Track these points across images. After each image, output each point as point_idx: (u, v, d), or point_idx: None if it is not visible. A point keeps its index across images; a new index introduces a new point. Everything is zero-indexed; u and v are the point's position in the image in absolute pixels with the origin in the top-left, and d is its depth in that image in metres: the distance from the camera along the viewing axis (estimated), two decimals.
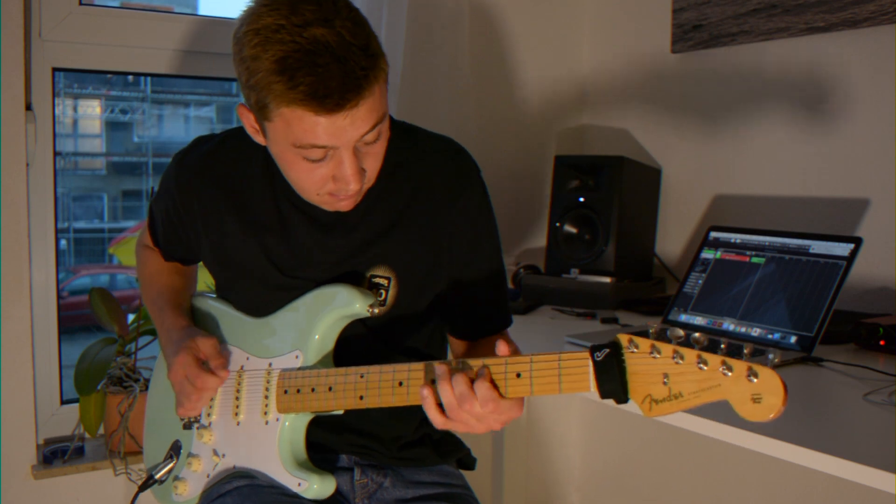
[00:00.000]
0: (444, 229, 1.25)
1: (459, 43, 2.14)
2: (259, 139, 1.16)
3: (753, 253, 1.71)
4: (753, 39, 2.02)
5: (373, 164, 1.13)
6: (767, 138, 2.03)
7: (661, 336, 0.93)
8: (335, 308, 1.19)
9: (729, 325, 1.66)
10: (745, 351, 0.88)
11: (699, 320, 1.71)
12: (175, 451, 1.32)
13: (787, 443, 1.09)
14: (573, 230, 2.12)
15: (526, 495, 2.42)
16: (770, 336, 1.58)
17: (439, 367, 1.05)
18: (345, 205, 1.16)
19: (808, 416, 1.25)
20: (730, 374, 0.86)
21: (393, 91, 2.03)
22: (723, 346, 0.88)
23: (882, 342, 1.54)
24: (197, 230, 1.32)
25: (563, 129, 2.51)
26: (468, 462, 1.43)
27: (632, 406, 0.95)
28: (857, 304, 1.76)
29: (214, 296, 1.39)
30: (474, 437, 1.26)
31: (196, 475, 1.28)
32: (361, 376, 1.12)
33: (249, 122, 1.15)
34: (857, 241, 1.56)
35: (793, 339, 1.54)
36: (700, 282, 1.76)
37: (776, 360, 0.86)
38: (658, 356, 0.91)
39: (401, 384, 1.09)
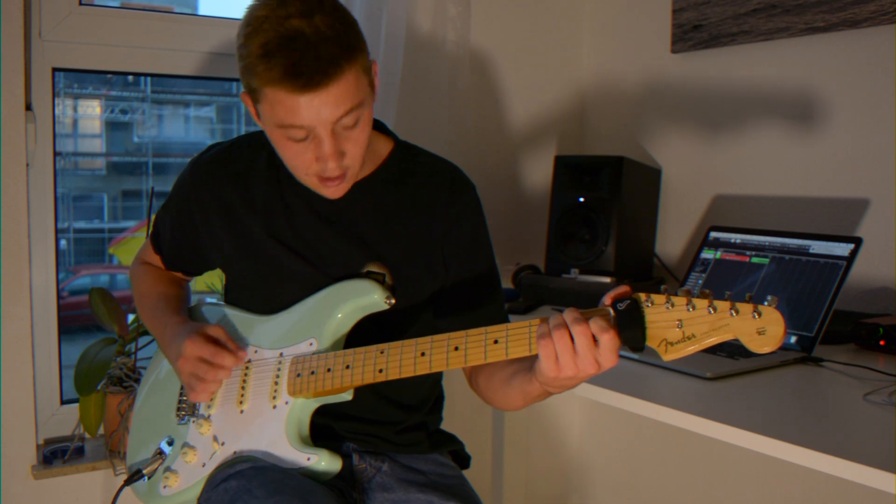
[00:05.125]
0: (438, 233, 1.34)
1: (459, 43, 2.14)
2: (259, 123, 1.24)
3: (753, 253, 1.71)
4: (753, 39, 2.02)
5: (353, 149, 1.21)
6: (767, 138, 2.03)
7: (671, 294, 1.01)
8: (355, 298, 1.25)
9: None
10: (747, 298, 0.99)
11: None
12: (167, 446, 1.34)
13: (787, 443, 1.09)
14: (573, 230, 2.12)
15: (525, 493, 2.42)
16: None
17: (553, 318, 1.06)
18: (332, 192, 1.25)
19: (808, 416, 1.26)
20: (737, 314, 0.97)
21: (393, 93, 2.03)
22: (728, 294, 0.99)
23: (882, 342, 1.54)
24: (208, 223, 1.37)
25: (563, 129, 2.51)
26: (463, 457, 1.46)
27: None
28: (857, 304, 1.76)
29: (215, 301, 1.42)
30: (473, 434, 1.25)
31: (189, 466, 1.30)
32: (382, 352, 1.17)
33: (250, 108, 1.23)
34: (857, 241, 1.57)
35: (793, 339, 1.54)
36: (700, 282, 1.76)
37: (774, 303, 0.97)
38: (672, 307, 1.00)
39: (423, 354, 1.14)
